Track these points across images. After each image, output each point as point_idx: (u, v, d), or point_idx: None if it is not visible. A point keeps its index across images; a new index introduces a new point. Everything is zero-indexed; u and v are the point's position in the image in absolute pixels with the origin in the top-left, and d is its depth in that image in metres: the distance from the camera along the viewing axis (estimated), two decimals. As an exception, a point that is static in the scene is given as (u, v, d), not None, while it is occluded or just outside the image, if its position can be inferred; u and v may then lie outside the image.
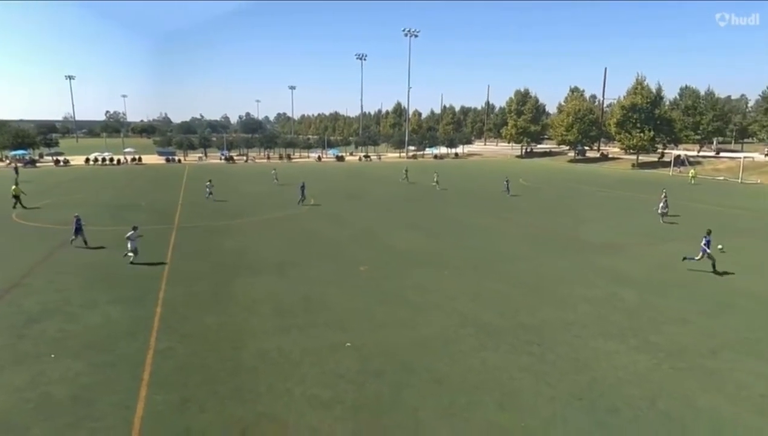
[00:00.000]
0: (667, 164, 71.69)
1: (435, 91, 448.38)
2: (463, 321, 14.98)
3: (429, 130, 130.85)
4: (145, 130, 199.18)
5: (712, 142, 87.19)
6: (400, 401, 10.59)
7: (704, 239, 19.83)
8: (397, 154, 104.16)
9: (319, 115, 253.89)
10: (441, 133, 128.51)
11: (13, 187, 36.54)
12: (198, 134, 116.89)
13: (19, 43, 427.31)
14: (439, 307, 16.16)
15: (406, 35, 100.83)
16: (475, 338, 13.82)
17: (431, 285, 18.43)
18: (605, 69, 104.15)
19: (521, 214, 34.80)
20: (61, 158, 79.19)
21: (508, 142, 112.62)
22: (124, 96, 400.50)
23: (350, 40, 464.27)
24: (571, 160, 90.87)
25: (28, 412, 10.11)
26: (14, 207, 34.62)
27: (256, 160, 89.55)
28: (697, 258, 19.99)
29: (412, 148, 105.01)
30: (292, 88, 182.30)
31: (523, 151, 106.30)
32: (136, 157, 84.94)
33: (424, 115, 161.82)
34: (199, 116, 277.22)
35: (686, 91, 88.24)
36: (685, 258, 20.39)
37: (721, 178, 60.90)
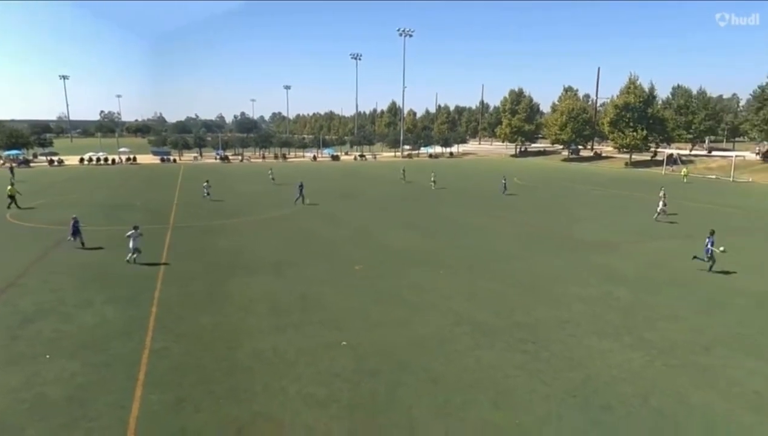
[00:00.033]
0: (659, 163, 72.11)
1: (430, 90, 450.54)
2: (458, 320, 15.04)
3: (424, 130, 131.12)
4: (140, 129, 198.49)
5: (704, 141, 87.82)
6: (395, 400, 10.63)
7: (708, 240, 19.86)
8: (392, 154, 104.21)
9: (314, 114, 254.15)
10: (436, 132, 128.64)
11: (9, 187, 36.38)
12: (193, 134, 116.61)
13: (13, 42, 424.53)
14: (435, 306, 16.22)
15: (400, 35, 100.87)
16: (470, 336, 13.89)
17: (426, 284, 18.48)
18: (598, 69, 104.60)
19: (516, 213, 34.92)
20: (55, 158, 78.74)
21: (503, 142, 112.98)
22: (118, 96, 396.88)
23: (345, 39, 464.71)
24: (565, 159, 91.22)
25: (23, 412, 10.09)
26: (9, 207, 34.44)
27: (252, 160, 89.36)
28: (706, 259, 20.04)
29: (407, 147, 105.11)
30: (287, 87, 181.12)
31: (518, 150, 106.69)
32: (131, 157, 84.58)
33: (419, 115, 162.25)
34: (194, 116, 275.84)
35: (678, 91, 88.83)
36: (695, 257, 20.36)
37: (713, 176, 61.32)
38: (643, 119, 75.03)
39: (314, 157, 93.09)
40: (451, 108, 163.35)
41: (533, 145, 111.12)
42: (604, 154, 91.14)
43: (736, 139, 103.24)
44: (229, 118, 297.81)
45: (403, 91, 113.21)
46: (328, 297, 17.04)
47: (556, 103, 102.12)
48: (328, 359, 12.42)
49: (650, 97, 77.26)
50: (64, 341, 13.46)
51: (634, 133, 74.35)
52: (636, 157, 79.73)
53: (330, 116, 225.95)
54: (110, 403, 10.40)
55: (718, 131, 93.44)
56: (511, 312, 15.69)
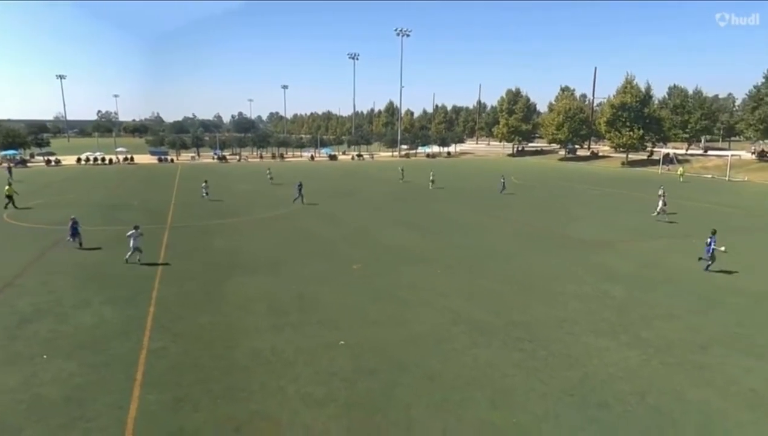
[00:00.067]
0: (656, 162, 72.31)
1: (427, 90, 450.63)
2: (456, 319, 15.07)
3: (421, 130, 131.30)
4: (137, 129, 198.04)
5: (700, 141, 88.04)
6: (392, 399, 10.65)
7: (710, 239, 19.85)
8: (390, 154, 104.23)
9: (311, 114, 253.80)
10: (433, 132, 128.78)
11: (6, 187, 36.28)
12: (190, 134, 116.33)
13: (9, 41, 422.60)
14: (432, 305, 16.25)
15: (398, 35, 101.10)
16: (467, 335, 13.92)
17: (424, 283, 18.51)
18: (595, 68, 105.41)
19: (513, 212, 34.98)
20: (52, 158, 78.54)
21: (500, 141, 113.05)
22: (115, 96, 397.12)
23: (343, 39, 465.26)
24: (562, 159, 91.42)
25: (21, 413, 10.08)
26: (6, 207, 34.35)
27: (249, 160, 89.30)
28: (707, 258, 20.03)
29: (404, 147, 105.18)
30: (285, 87, 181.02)
31: (515, 149, 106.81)
32: (128, 156, 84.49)
33: (416, 115, 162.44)
34: (191, 116, 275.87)
35: (675, 91, 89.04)
36: (701, 259, 20.36)
37: (709, 176, 61.52)
38: (640, 119, 75.29)
39: (312, 157, 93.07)
40: (449, 108, 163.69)
41: (530, 144, 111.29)
42: (600, 154, 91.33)
43: (732, 138, 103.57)
44: (226, 118, 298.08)
45: (401, 90, 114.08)
46: (326, 296, 17.06)
47: (553, 102, 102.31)
48: (326, 358, 12.44)
49: (647, 97, 77.55)
50: (61, 341, 13.44)
51: (631, 133, 74.63)
52: (632, 156, 79.98)
53: (327, 116, 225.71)
54: (108, 403, 10.39)
55: (714, 131, 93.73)
56: (508, 311, 15.72)
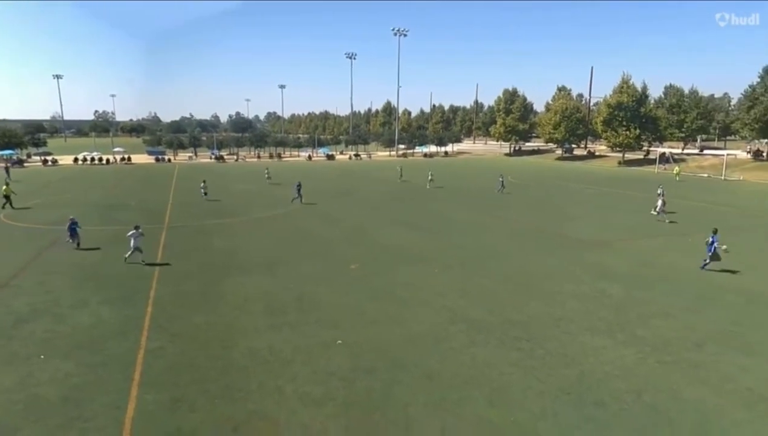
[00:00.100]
0: (652, 162, 72.59)
1: (424, 90, 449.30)
2: (453, 318, 15.10)
3: (419, 129, 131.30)
4: (135, 129, 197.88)
5: (696, 140, 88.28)
6: (391, 398, 10.67)
7: (712, 238, 19.81)
8: (388, 153, 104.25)
9: (309, 114, 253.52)
10: (431, 131, 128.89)
11: (4, 187, 36.18)
12: (188, 133, 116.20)
13: (6, 41, 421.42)
14: (430, 304, 16.28)
15: (395, 34, 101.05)
16: (465, 334, 13.95)
17: (421, 282, 18.54)
18: (591, 68, 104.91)
19: (510, 211, 35.04)
20: (49, 158, 78.36)
21: (497, 141, 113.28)
22: (113, 95, 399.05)
23: (340, 39, 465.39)
24: (559, 158, 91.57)
25: (17, 413, 10.06)
26: (3, 207, 34.26)
27: (247, 160, 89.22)
28: (708, 258, 20.00)
29: (402, 146, 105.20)
30: (282, 87, 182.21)
31: (512, 149, 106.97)
32: (126, 156, 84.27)
33: (413, 114, 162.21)
34: (188, 115, 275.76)
35: (671, 90, 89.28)
36: (705, 262, 20.31)
37: (705, 175, 61.75)
38: (636, 118, 75.51)
39: (309, 157, 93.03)
40: (446, 107, 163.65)
41: (527, 144, 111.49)
42: (597, 153, 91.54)
43: (728, 137, 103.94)
44: (224, 118, 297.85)
45: (398, 90, 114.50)
46: (324, 296, 17.06)
47: (550, 102, 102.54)
48: (324, 358, 12.45)
49: (643, 97, 77.73)
50: (58, 341, 13.42)
51: (627, 132, 74.83)
52: (629, 155, 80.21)
53: (325, 116, 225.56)
54: (105, 403, 10.38)
55: (709, 130, 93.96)
56: (505, 309, 15.76)
